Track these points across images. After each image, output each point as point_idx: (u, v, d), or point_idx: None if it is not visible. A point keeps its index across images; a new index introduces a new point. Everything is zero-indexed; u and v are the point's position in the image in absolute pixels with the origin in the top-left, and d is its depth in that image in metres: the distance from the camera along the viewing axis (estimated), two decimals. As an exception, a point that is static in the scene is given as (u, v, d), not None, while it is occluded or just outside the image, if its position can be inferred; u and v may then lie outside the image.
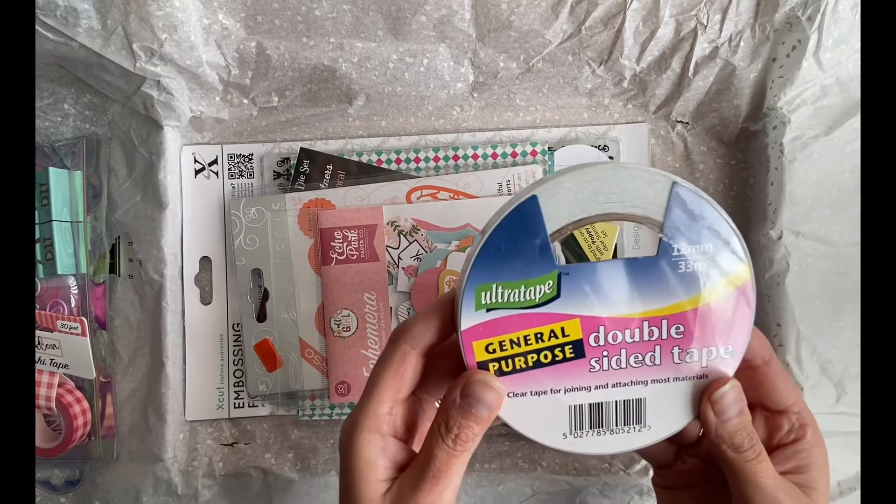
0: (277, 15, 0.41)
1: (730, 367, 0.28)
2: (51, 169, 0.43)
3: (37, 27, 0.38)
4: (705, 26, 0.40)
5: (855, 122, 0.40)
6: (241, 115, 0.46)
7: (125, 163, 0.45)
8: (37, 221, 0.44)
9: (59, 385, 0.43)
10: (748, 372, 0.28)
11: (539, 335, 0.27)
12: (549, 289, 0.27)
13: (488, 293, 0.26)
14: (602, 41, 0.42)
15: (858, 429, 0.40)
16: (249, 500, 0.45)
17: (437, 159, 0.45)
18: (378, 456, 0.27)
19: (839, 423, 0.40)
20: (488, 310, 0.27)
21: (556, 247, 0.26)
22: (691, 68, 0.42)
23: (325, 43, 0.42)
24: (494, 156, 0.45)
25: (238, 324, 0.46)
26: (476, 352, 0.27)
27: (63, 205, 0.44)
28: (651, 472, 0.43)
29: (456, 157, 0.45)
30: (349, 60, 0.42)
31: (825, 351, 0.41)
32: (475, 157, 0.45)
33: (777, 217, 0.41)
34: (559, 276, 0.26)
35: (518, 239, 0.26)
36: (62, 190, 0.44)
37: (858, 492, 0.41)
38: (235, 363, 0.46)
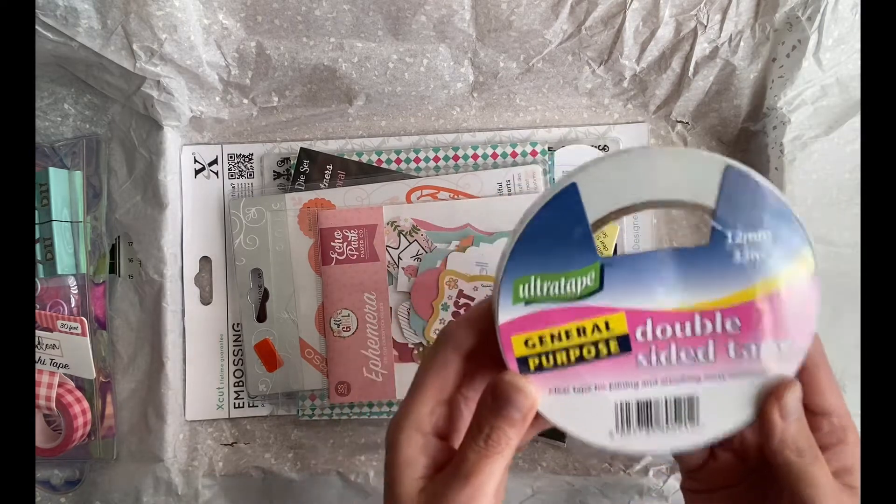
0: (277, 15, 0.41)
1: (791, 364, 0.26)
2: (51, 169, 0.43)
3: (37, 27, 0.38)
4: (705, 26, 0.40)
5: (855, 122, 0.40)
6: (241, 115, 0.46)
7: (125, 163, 0.45)
8: (37, 221, 0.44)
9: (59, 385, 0.43)
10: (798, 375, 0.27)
11: (581, 329, 0.26)
12: (591, 281, 0.25)
13: (527, 286, 0.25)
14: (602, 41, 0.42)
15: (858, 429, 0.40)
16: (249, 500, 0.45)
17: (437, 159, 0.45)
18: (418, 454, 0.27)
19: (839, 423, 0.40)
20: (527, 303, 0.25)
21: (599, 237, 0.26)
22: (691, 68, 0.42)
23: (325, 43, 0.42)
24: (494, 156, 0.45)
25: (238, 324, 0.46)
26: (515, 347, 0.26)
27: (63, 205, 0.44)
28: (651, 472, 0.43)
29: (456, 157, 0.45)
30: (349, 60, 0.42)
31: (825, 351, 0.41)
32: (475, 157, 0.45)
33: (777, 217, 0.41)
34: (602, 267, 0.25)
35: (557, 229, 0.25)
36: (62, 190, 0.44)
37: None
38: (235, 363, 0.46)
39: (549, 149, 0.45)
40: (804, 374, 0.27)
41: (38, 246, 0.44)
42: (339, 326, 0.44)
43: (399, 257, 0.44)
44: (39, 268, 0.44)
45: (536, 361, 0.26)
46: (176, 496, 0.44)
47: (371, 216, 0.44)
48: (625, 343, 0.26)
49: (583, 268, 0.25)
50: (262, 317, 0.45)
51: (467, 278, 0.43)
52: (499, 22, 0.41)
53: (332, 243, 0.44)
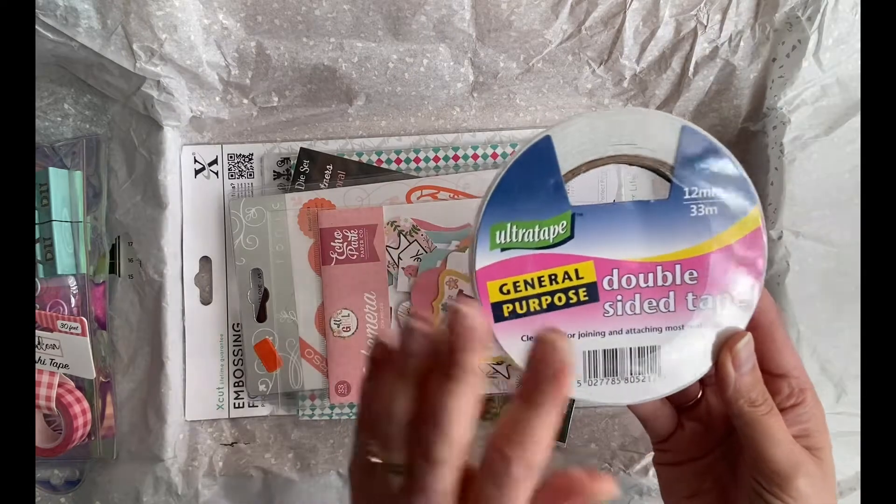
0: (277, 15, 0.41)
1: (743, 315, 0.27)
2: (51, 169, 0.43)
3: (37, 27, 0.38)
4: (705, 26, 0.40)
5: (855, 122, 0.40)
6: (241, 115, 0.46)
7: (125, 163, 0.45)
8: (37, 221, 0.44)
9: (59, 385, 0.43)
10: (753, 332, 0.28)
11: (553, 276, 0.27)
12: (563, 229, 0.27)
13: (503, 232, 0.26)
14: (602, 41, 0.42)
15: (858, 429, 0.40)
16: (249, 500, 0.45)
17: (437, 159, 0.45)
18: None
19: (839, 423, 0.40)
20: (503, 249, 0.27)
21: (571, 187, 0.27)
22: (691, 68, 0.42)
23: (325, 43, 0.42)
24: (494, 156, 0.45)
25: (238, 324, 0.46)
26: (490, 292, 0.27)
27: (63, 205, 0.44)
28: (651, 472, 0.43)
29: (456, 157, 0.45)
30: (349, 60, 0.42)
31: (825, 351, 0.41)
32: (475, 157, 0.45)
33: (777, 217, 0.41)
34: (573, 216, 0.26)
35: (532, 179, 0.26)
36: (62, 190, 0.44)
37: (858, 492, 0.41)
38: (235, 363, 0.46)
39: (549, 149, 0.45)
40: (760, 335, 0.28)
41: (38, 246, 0.44)
42: (339, 326, 0.44)
43: (399, 257, 0.44)
44: (39, 268, 0.44)
45: (510, 308, 0.27)
46: (176, 496, 0.44)
47: (371, 216, 0.44)
48: (593, 292, 0.27)
49: (555, 216, 0.27)
50: (262, 317, 0.45)
51: (467, 278, 0.43)
52: (499, 22, 0.41)
53: (332, 243, 0.44)
